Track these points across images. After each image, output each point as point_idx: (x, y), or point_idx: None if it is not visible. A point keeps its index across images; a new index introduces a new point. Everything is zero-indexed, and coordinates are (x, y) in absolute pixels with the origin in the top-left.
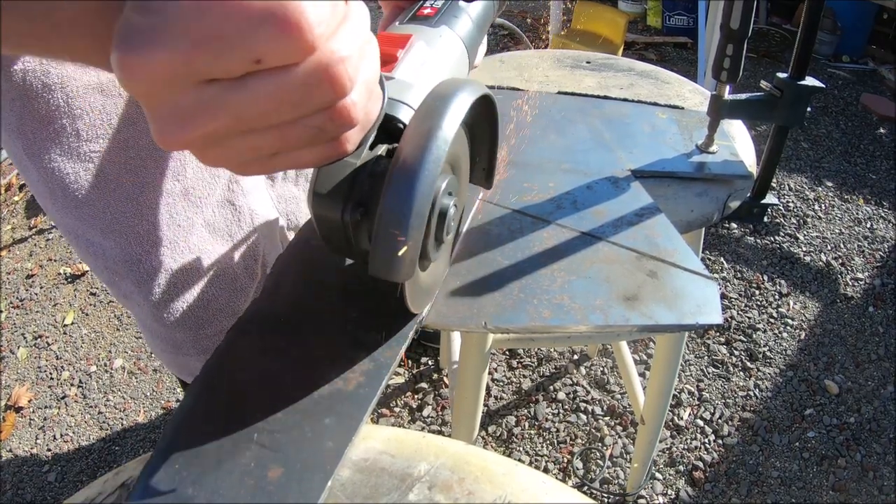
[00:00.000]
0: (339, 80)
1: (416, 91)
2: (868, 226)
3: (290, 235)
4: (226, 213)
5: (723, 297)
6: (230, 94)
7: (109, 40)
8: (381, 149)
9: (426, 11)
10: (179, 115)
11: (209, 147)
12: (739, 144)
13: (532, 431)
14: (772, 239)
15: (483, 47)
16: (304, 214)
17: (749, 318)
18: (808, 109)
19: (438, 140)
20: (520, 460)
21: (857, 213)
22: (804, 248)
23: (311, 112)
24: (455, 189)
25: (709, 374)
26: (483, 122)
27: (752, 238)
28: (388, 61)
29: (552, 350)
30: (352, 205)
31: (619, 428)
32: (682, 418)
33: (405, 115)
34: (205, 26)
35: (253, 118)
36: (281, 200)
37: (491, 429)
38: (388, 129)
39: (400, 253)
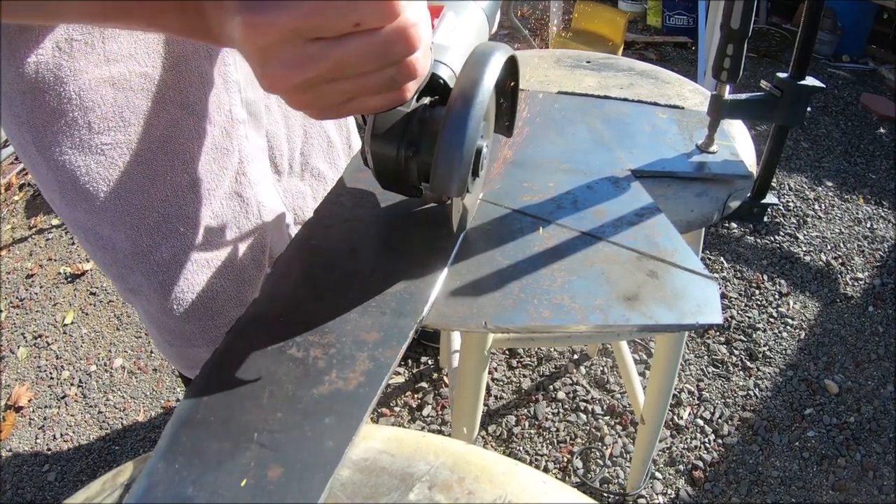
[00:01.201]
0: (412, 40)
1: (452, 53)
2: (868, 225)
3: (296, 230)
4: (234, 204)
5: (723, 296)
6: (330, 49)
7: (189, 9)
8: (426, 100)
9: None
10: (288, 64)
11: (302, 92)
12: (739, 144)
13: (532, 431)
14: (772, 239)
15: (497, 16)
16: (309, 209)
17: (749, 317)
18: (808, 109)
19: (484, 86)
20: (520, 460)
21: (857, 213)
22: (804, 248)
23: (388, 65)
24: (485, 133)
25: (709, 373)
26: (507, 79)
27: (752, 238)
28: None
29: (552, 350)
30: (405, 143)
31: (619, 427)
32: (682, 418)
33: (443, 72)
34: None
35: (344, 68)
36: (287, 195)
37: (491, 428)
38: (431, 84)
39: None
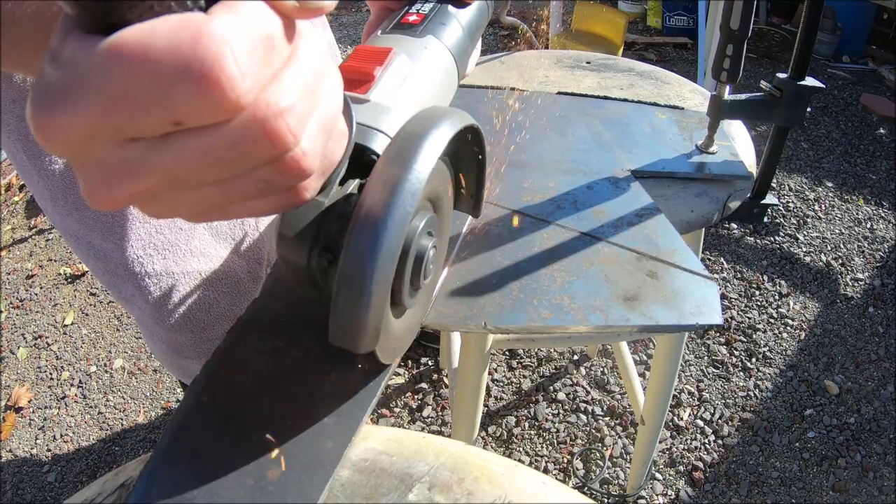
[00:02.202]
0: (278, 134)
1: (395, 115)
2: (868, 226)
3: None
4: None
5: (723, 297)
6: (155, 153)
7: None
8: (353, 185)
9: (411, 19)
10: (105, 174)
11: (149, 203)
12: (739, 144)
13: (532, 432)
14: (772, 239)
15: (476, 54)
16: None
17: (749, 318)
18: (808, 109)
19: (406, 194)
20: (520, 461)
21: (857, 214)
22: (804, 249)
23: (253, 167)
24: (435, 226)
25: (709, 374)
26: (468, 149)
27: (752, 238)
28: (364, 80)
29: (552, 350)
30: (319, 249)
31: (619, 428)
32: (682, 418)
33: (380, 144)
34: (115, 84)
35: (185, 176)
36: None
37: (491, 429)
38: (362, 160)
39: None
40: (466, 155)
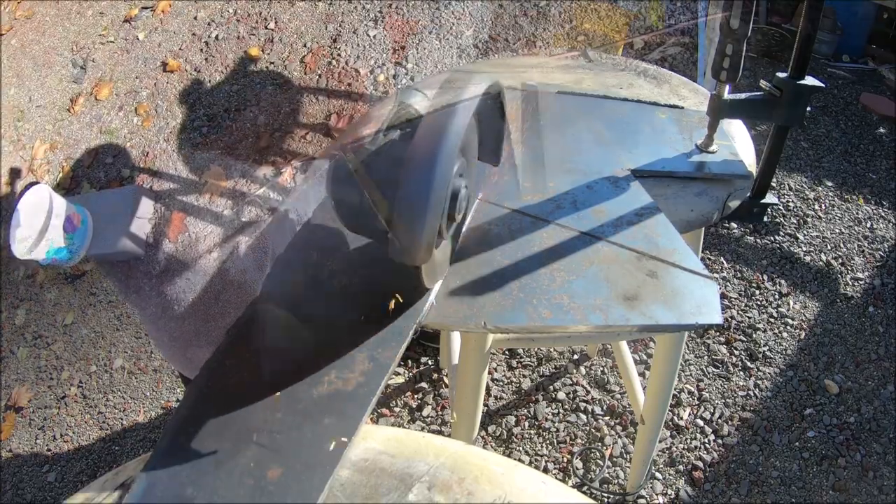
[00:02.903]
0: None
1: (427, 77)
2: (868, 226)
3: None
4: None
5: (723, 296)
6: None
7: None
8: (394, 133)
9: None
10: None
11: None
12: (739, 144)
13: (532, 431)
14: (772, 239)
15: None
16: (312, 210)
17: (749, 317)
18: (808, 109)
19: (452, 136)
20: (520, 460)
21: (857, 213)
22: (804, 248)
23: None
24: (465, 170)
25: (709, 374)
26: (491, 107)
27: (752, 238)
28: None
29: (552, 350)
30: (369, 189)
31: (619, 428)
32: (682, 418)
33: (416, 99)
34: None
35: None
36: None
37: (491, 429)
38: (402, 114)
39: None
40: (489, 112)
